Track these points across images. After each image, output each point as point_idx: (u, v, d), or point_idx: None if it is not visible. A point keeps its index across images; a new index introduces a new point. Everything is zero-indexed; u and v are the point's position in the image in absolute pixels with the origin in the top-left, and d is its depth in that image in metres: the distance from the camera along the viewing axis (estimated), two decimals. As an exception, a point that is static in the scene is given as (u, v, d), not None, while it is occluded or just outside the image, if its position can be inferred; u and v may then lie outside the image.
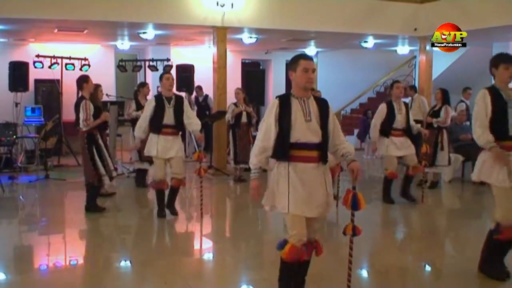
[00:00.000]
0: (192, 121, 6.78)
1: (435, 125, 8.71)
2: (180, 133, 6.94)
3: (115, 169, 8.11)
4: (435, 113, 8.80)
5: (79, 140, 7.11)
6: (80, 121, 6.79)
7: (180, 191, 7.12)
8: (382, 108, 7.69)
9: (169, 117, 6.63)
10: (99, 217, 7.17)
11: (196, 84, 12.60)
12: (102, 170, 6.96)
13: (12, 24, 10.19)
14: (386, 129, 7.60)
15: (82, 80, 7.02)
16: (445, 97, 8.80)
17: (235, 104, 9.49)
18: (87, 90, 6.97)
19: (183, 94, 10.18)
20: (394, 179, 7.74)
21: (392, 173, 7.66)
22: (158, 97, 6.73)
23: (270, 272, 4.70)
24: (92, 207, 7.07)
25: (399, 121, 7.58)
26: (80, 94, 7.05)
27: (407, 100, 10.08)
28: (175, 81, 7.41)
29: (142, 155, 8.82)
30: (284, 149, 3.73)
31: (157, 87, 13.21)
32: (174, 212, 6.97)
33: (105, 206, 7.31)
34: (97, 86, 7.79)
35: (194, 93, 13.11)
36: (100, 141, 7.05)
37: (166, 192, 6.94)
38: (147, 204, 8.23)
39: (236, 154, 9.49)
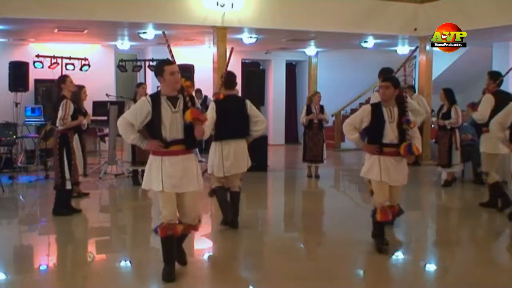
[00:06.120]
0: None
1: (448, 127, 8.74)
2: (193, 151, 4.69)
3: (85, 175, 7.92)
4: (444, 115, 8.80)
5: (54, 140, 7.04)
6: (57, 120, 6.68)
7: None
8: None
9: (174, 128, 4.38)
10: (98, 217, 7.16)
11: (195, 87, 12.58)
12: (67, 173, 6.74)
13: (12, 24, 10.20)
14: None
15: (60, 81, 6.96)
16: (450, 97, 8.79)
17: None
18: (67, 89, 6.87)
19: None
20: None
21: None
22: (154, 98, 4.43)
23: (270, 272, 4.70)
24: (59, 210, 6.83)
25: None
26: (61, 94, 6.91)
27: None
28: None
29: (136, 157, 8.81)
30: None
31: (157, 87, 13.30)
32: (184, 261, 4.93)
33: (80, 207, 7.20)
34: (81, 88, 7.72)
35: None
36: (74, 144, 6.89)
37: None
38: (147, 203, 8.22)
39: None
